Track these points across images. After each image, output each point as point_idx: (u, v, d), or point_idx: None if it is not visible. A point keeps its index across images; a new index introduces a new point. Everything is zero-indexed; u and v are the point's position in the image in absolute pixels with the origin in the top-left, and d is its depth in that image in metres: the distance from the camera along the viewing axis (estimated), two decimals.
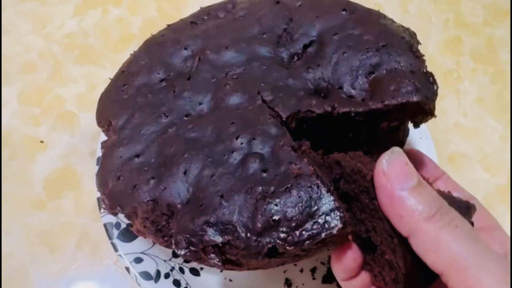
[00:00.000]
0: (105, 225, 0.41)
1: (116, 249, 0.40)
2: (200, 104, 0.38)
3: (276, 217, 0.30)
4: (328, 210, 0.30)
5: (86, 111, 0.52)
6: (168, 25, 0.45)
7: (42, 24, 0.57)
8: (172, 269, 0.41)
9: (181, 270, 0.42)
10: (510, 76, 0.60)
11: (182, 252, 0.32)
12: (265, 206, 0.31)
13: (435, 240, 0.24)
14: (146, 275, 0.40)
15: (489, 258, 0.24)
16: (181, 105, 0.38)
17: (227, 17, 0.44)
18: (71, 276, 0.44)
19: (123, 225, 0.41)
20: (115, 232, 0.41)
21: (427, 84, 0.37)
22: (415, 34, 0.42)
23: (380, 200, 0.27)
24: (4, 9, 0.57)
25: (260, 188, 0.31)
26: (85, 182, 0.48)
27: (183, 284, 0.41)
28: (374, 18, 0.42)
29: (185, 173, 0.34)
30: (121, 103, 0.39)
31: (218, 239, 0.31)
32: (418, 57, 0.39)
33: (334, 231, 0.29)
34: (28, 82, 0.53)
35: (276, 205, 0.30)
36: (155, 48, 0.42)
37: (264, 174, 0.32)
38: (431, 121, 0.53)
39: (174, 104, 0.38)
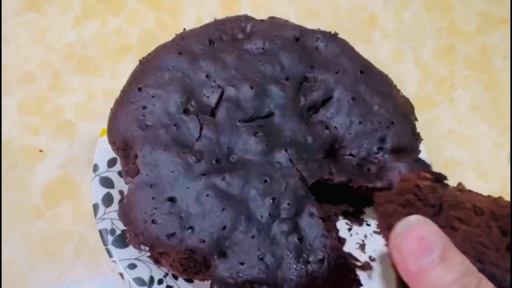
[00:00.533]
0: (100, 231, 0.42)
1: (110, 255, 0.41)
2: (228, 148, 0.40)
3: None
4: None
5: (85, 121, 0.53)
6: (182, 36, 0.46)
7: (42, 34, 0.58)
8: (166, 275, 0.42)
9: (175, 277, 0.43)
10: (509, 83, 0.61)
11: None
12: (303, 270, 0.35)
13: None
14: (140, 281, 0.41)
15: None
16: (209, 147, 0.39)
17: (245, 45, 0.45)
18: (69, 283, 0.45)
19: (118, 232, 0.42)
20: (110, 239, 0.42)
21: (425, 164, 0.42)
22: (413, 108, 0.47)
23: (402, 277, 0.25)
24: (4, 20, 0.59)
25: (296, 253, 0.36)
26: (84, 191, 0.49)
27: None
28: (386, 89, 0.46)
29: (224, 228, 0.36)
30: (145, 133, 0.40)
31: None
32: (417, 140, 0.44)
33: None
34: (28, 92, 0.54)
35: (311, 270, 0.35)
36: (172, 64, 0.43)
37: (299, 242, 0.36)
38: (425, 129, 0.54)
39: (202, 145, 0.39)
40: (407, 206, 0.29)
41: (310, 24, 0.61)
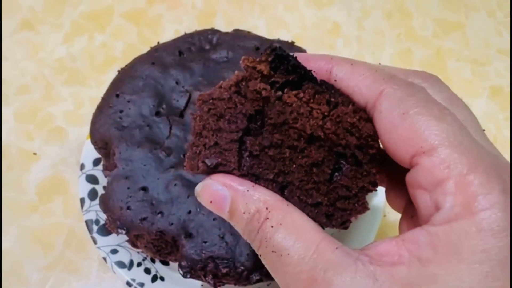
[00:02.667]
0: (86, 221, 0.48)
1: (95, 242, 0.47)
2: None
3: None
4: None
5: (74, 126, 0.59)
6: (156, 48, 0.51)
7: (35, 50, 0.65)
8: (144, 259, 0.48)
9: (152, 260, 0.48)
10: (462, 82, 0.66)
11: (184, 274, 0.41)
12: None
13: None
14: (121, 264, 0.46)
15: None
16: (177, 143, 0.45)
17: (211, 54, 0.51)
18: (60, 269, 0.51)
19: (102, 222, 0.48)
20: (95, 228, 0.48)
21: None
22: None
23: None
24: (2, 39, 0.65)
25: None
26: (73, 188, 0.55)
27: (153, 272, 0.47)
28: None
29: (189, 212, 0.42)
30: (121, 133, 0.45)
31: (219, 271, 0.40)
32: None
33: None
34: (23, 102, 0.60)
35: None
36: (146, 73, 0.49)
37: None
38: None
39: (171, 143, 0.45)
40: (220, 117, 0.27)
41: (279, 34, 0.67)
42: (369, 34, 0.70)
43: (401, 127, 0.24)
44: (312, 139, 0.28)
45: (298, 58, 0.28)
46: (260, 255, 0.26)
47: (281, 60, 0.27)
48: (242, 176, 0.28)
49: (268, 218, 0.26)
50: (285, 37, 0.55)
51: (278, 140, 0.27)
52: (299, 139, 0.27)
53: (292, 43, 0.54)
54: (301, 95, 0.27)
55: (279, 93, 0.28)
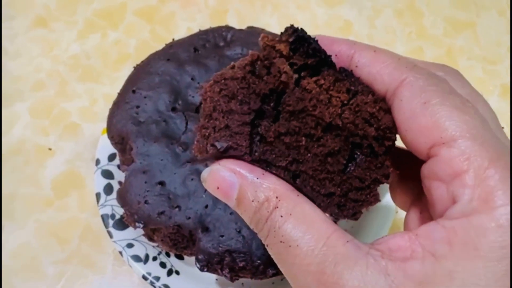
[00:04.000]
0: (102, 216, 0.48)
1: (111, 236, 0.48)
2: None
3: None
4: None
5: (88, 122, 0.60)
6: (171, 45, 0.52)
7: (50, 48, 0.65)
8: (159, 253, 0.48)
9: (167, 255, 0.49)
10: (472, 81, 0.66)
11: (201, 267, 0.42)
12: None
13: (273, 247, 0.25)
14: (137, 258, 0.47)
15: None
16: (193, 139, 0.45)
17: (226, 51, 0.51)
18: (76, 262, 0.52)
19: (117, 216, 0.49)
20: (111, 222, 0.48)
21: None
22: None
23: None
24: (17, 36, 0.66)
25: None
26: (88, 183, 0.56)
27: (168, 266, 0.48)
28: None
29: (206, 207, 0.43)
30: (138, 128, 0.46)
31: (236, 264, 0.41)
32: None
33: None
34: (38, 98, 0.61)
35: None
36: (162, 69, 0.49)
37: None
38: None
39: (187, 138, 0.46)
40: (231, 98, 0.27)
41: None
42: (380, 33, 0.71)
43: (421, 116, 0.24)
44: (329, 128, 0.27)
45: (320, 41, 0.27)
46: (267, 245, 0.26)
47: (302, 42, 0.26)
48: (253, 162, 0.27)
49: (277, 207, 0.25)
50: None
51: (295, 127, 0.27)
52: (316, 127, 0.27)
53: None
54: (321, 81, 0.26)
55: (296, 75, 0.27)
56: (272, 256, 0.26)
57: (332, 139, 0.27)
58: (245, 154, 0.26)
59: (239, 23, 0.69)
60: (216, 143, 0.26)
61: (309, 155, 0.27)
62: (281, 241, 0.24)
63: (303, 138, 0.27)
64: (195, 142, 0.27)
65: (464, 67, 0.68)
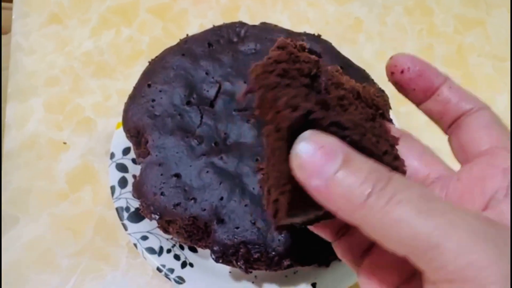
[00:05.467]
0: (117, 208, 0.49)
1: (126, 229, 0.48)
2: (224, 133, 0.46)
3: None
4: None
5: (102, 117, 0.61)
6: (185, 40, 0.52)
7: (63, 44, 0.66)
8: (174, 246, 0.49)
9: (181, 247, 0.49)
10: (484, 78, 0.67)
11: (216, 259, 0.42)
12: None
13: (385, 221, 0.20)
14: (151, 250, 0.47)
15: (459, 223, 0.19)
16: (208, 132, 0.46)
17: (239, 47, 0.52)
18: (90, 255, 0.52)
19: (132, 209, 0.49)
20: (125, 215, 0.49)
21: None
22: (388, 97, 0.51)
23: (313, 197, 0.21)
24: (31, 32, 0.67)
25: None
26: (101, 177, 0.56)
27: (182, 258, 0.48)
28: (362, 81, 0.51)
29: (221, 199, 0.43)
30: (154, 121, 0.46)
31: (251, 256, 0.41)
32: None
33: None
34: (53, 94, 0.62)
35: None
36: (177, 64, 0.50)
37: None
38: (405, 119, 0.60)
39: (202, 131, 0.46)
40: (284, 76, 0.25)
41: (302, 28, 0.68)
42: (391, 30, 0.71)
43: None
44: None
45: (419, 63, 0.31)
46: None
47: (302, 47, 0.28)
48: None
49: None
50: (309, 31, 0.56)
51: (342, 96, 0.27)
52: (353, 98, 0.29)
53: (319, 36, 0.55)
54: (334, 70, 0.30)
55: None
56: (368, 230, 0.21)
57: (363, 108, 0.29)
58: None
59: (250, 20, 0.69)
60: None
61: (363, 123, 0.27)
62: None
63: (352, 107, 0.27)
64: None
65: (474, 65, 0.68)
